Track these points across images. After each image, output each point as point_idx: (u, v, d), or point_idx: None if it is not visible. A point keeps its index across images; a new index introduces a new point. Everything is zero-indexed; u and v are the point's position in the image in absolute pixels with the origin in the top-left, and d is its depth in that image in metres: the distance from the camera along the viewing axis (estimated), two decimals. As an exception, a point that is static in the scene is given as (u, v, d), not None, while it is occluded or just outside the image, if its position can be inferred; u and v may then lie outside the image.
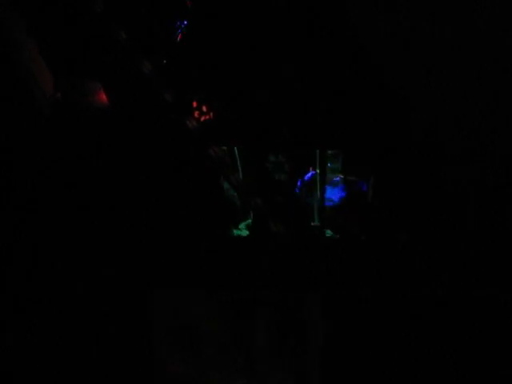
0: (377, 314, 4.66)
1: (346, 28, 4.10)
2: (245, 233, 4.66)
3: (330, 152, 4.57)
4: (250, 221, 4.69)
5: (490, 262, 4.44)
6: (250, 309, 4.69)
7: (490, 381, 4.42)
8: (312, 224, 4.62)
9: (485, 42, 3.65)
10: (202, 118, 4.42)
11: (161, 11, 4.58)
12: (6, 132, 4.26)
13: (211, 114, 4.41)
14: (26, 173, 4.37)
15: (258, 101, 4.51)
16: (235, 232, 4.70)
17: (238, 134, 4.48)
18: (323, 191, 4.60)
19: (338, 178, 4.65)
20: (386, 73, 3.99)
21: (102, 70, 4.35)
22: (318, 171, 4.51)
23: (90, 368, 4.57)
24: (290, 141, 4.51)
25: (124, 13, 4.42)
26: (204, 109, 4.42)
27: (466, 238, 4.39)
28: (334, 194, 4.66)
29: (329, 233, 4.65)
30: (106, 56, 4.36)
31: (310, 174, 4.62)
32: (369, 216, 4.71)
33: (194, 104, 4.38)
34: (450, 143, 4.06)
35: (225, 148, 4.62)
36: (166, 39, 4.50)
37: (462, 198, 4.28)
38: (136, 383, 4.56)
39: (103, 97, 4.33)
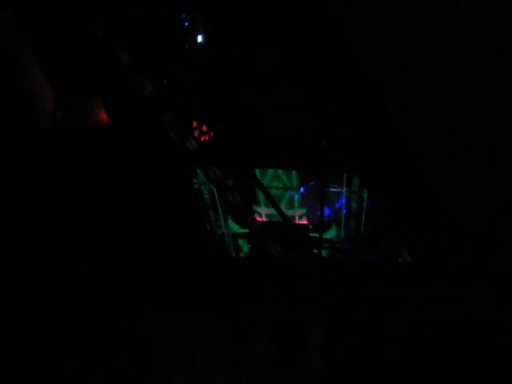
0: (378, 331, 4.55)
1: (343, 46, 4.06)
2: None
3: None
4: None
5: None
6: (250, 328, 4.60)
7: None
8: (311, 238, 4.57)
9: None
10: (202, 138, 4.41)
11: (162, 34, 4.64)
12: (8, 149, 4.29)
13: (211, 133, 4.41)
14: (27, 188, 4.38)
15: (259, 120, 4.50)
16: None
17: (237, 154, 4.47)
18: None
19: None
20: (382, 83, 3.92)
21: (103, 89, 4.38)
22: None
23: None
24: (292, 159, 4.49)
25: (127, 35, 4.47)
26: (204, 129, 4.42)
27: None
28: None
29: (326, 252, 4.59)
30: (108, 76, 4.40)
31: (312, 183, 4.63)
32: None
33: (194, 123, 4.39)
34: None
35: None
36: (168, 61, 4.53)
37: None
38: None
39: (104, 116, 4.36)
